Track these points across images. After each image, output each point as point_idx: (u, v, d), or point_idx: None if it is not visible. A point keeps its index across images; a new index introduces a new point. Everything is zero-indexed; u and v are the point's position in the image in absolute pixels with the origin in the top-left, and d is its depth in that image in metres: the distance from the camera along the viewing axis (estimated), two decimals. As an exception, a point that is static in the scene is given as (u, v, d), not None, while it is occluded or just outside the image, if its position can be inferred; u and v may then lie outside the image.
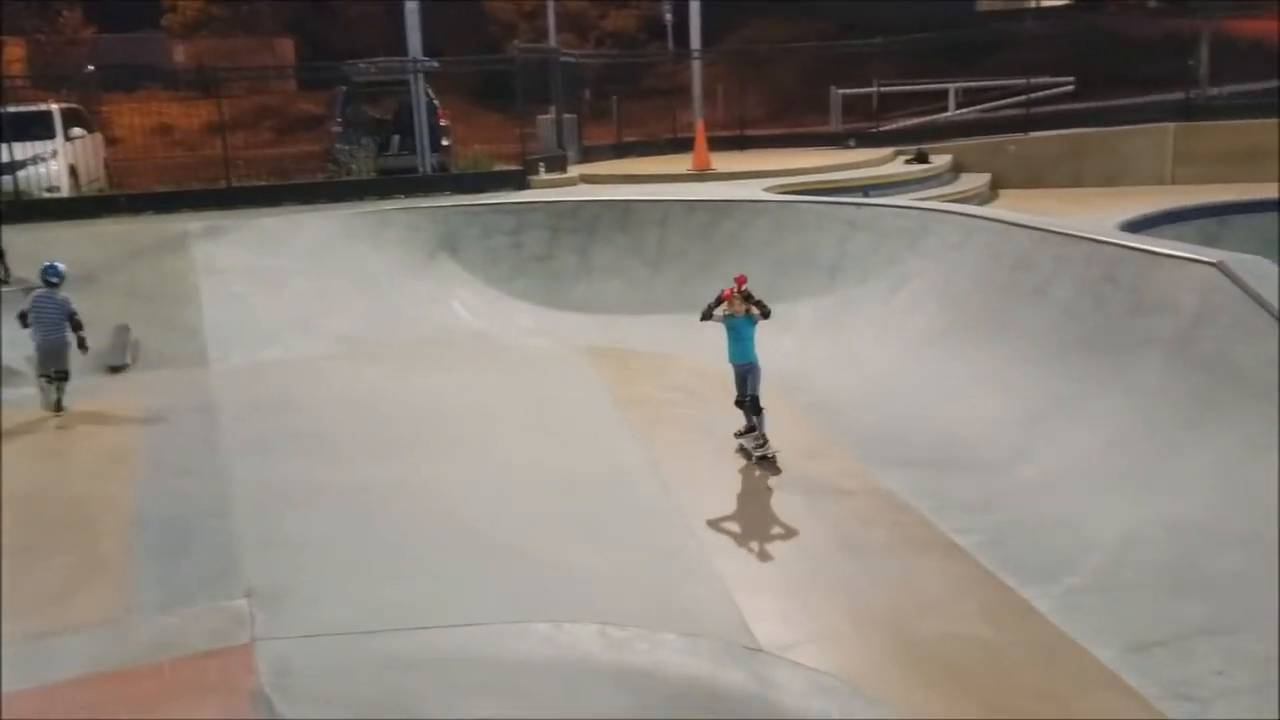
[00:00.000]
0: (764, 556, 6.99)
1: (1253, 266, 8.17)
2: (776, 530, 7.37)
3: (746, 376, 8.41)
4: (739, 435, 8.59)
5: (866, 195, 15.04)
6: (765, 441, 8.36)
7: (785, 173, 16.82)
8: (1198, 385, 7.69)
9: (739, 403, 8.49)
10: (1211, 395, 7.52)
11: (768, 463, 8.25)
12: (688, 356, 11.75)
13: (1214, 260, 8.28)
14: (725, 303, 8.31)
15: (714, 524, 7.37)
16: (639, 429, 9.31)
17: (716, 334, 12.24)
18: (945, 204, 13.82)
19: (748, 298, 8.29)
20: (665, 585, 6.51)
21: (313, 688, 5.17)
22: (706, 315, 8.47)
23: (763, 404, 8.43)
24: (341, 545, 6.88)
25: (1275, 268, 8.21)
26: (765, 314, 8.27)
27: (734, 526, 7.44)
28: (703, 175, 17.64)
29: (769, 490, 8.01)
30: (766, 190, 15.20)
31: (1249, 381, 7.36)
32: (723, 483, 8.15)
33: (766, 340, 8.58)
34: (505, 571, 6.51)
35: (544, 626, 5.81)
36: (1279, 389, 7.01)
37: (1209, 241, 11.91)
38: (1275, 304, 7.57)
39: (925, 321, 11.00)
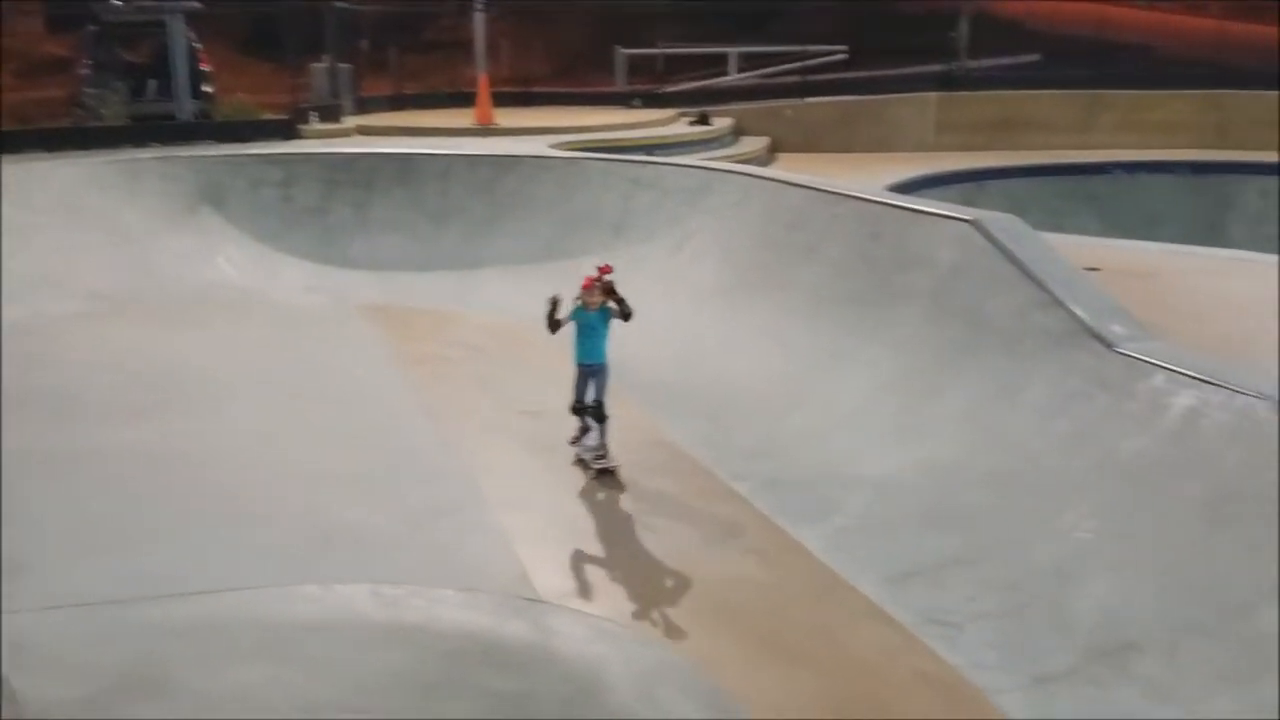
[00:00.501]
0: (546, 509, 6.94)
1: (1004, 224, 8.72)
2: (559, 483, 7.34)
3: (591, 379, 7.22)
4: (573, 443, 7.47)
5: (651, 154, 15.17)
6: (606, 452, 7.25)
7: (570, 130, 16.75)
8: (953, 335, 8.14)
9: (577, 409, 7.30)
10: (965, 344, 7.98)
11: (609, 476, 7.20)
12: (471, 313, 11.56)
13: (969, 218, 8.79)
14: (582, 291, 7.10)
15: (496, 479, 7.27)
16: (420, 386, 9.08)
17: (500, 289, 12.18)
18: (726, 164, 14.10)
19: (609, 290, 7.07)
20: (443, 542, 6.37)
21: (53, 659, 4.77)
22: (553, 324, 7.06)
23: (608, 411, 7.31)
24: (92, 513, 6.39)
25: (1024, 225, 8.80)
26: (626, 315, 7.06)
27: (516, 481, 7.36)
28: (486, 130, 17.34)
29: (552, 444, 7.96)
30: (552, 147, 15.07)
31: (998, 331, 7.85)
32: (505, 438, 8.05)
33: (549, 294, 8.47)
34: (272, 535, 6.20)
35: (312, 588, 5.57)
36: (1026, 337, 7.51)
37: (967, 204, 12.63)
38: (1023, 258, 8.10)
39: (708, 278, 11.21)
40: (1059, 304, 7.59)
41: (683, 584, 5.96)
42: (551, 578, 5.93)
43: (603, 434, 7.25)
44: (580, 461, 7.40)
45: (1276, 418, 5.92)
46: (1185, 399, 6.41)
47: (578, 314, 7.13)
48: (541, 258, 12.49)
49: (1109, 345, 7.06)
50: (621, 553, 6.33)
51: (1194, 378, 6.43)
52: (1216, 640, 5.10)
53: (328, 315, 11.34)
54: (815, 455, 7.59)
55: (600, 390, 7.21)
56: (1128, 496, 6.07)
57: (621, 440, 7.98)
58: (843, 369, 8.59)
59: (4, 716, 3.35)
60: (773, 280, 10.38)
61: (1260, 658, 4.91)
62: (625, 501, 7.01)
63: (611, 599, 5.80)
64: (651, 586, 5.95)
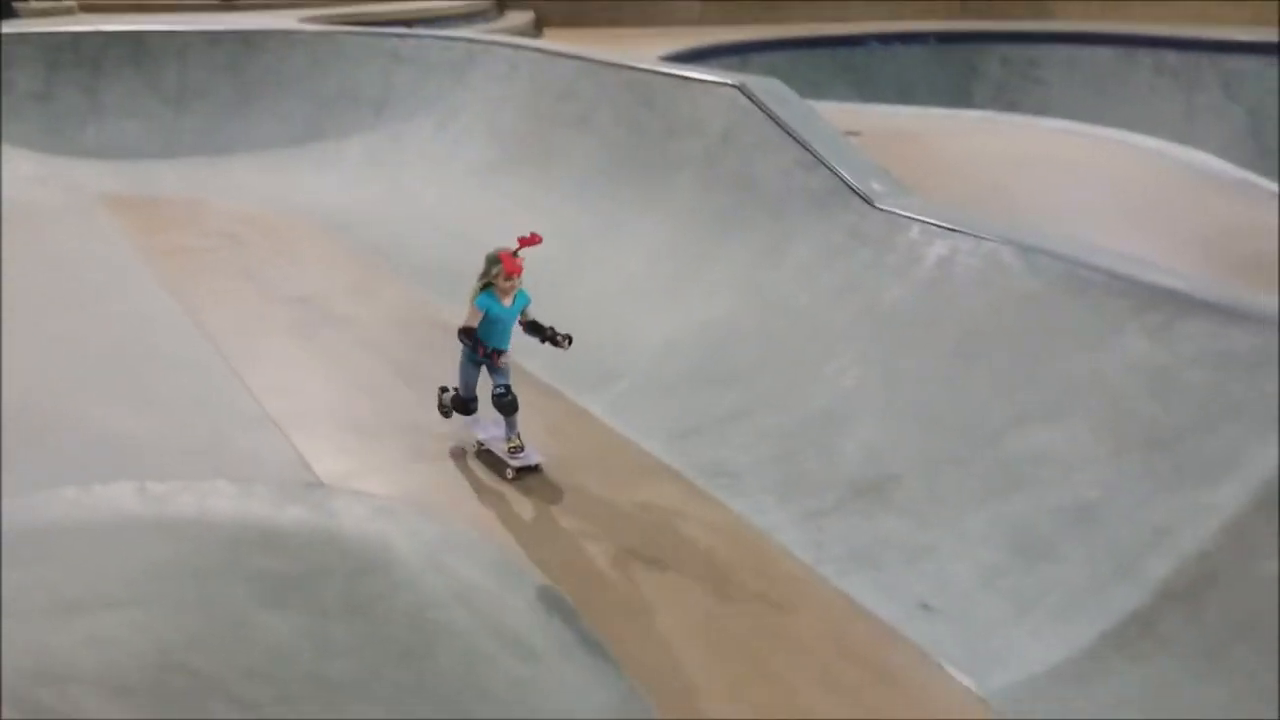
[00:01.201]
0: (320, 395, 6.68)
1: (769, 87, 8.84)
2: (332, 367, 7.07)
3: (494, 371, 5.71)
4: (447, 415, 6.02)
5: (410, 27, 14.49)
6: (522, 444, 5.70)
7: (321, 3, 15.75)
8: (724, 200, 8.27)
9: (457, 406, 5.88)
10: (735, 208, 8.13)
11: (530, 473, 5.69)
12: (225, 202, 10.84)
13: (736, 83, 8.85)
14: (498, 277, 5.45)
15: (264, 367, 6.92)
16: (174, 281, 8.47)
17: (255, 176, 11.46)
18: (490, 36, 13.64)
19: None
20: (214, 436, 6.04)
21: None
22: (471, 342, 5.63)
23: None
24: None
25: (788, 90, 8.95)
26: (557, 341, 5.63)
27: (287, 368, 7.03)
28: (230, 5, 16.07)
29: (320, 329, 7.64)
30: (302, 21, 14.14)
31: (764, 194, 8.02)
32: (269, 326, 7.66)
33: (309, 179, 8.05)
34: (21, 443, 5.69)
35: (70, 490, 5.16)
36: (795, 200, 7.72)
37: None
38: (788, 121, 8.26)
39: (475, 155, 10.92)
40: (823, 164, 7.81)
41: (462, 461, 5.89)
42: (329, 462, 5.73)
43: (516, 425, 5.67)
44: (482, 455, 5.85)
45: (1020, 261, 6.35)
46: (939, 248, 6.76)
47: (485, 301, 5.50)
48: (298, 140, 11.82)
49: (870, 202, 7.35)
50: (401, 433, 6.19)
51: (946, 228, 6.80)
52: (969, 467, 5.49)
53: (63, 209, 10.36)
54: (596, 325, 7.55)
55: (505, 373, 5.65)
56: (888, 342, 6.40)
57: (398, 319, 7.75)
58: (618, 240, 8.60)
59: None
60: (544, 154, 10.22)
61: (1008, 478, 5.33)
62: (402, 380, 6.83)
63: (393, 479, 5.68)
64: (435, 464, 5.86)
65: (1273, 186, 9.04)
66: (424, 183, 10.69)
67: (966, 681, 4.36)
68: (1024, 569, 4.88)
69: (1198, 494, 4.87)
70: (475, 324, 5.54)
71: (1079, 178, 9.52)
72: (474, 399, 5.81)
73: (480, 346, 5.60)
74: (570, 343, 5.59)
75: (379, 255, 9.20)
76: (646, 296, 7.76)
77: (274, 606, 4.24)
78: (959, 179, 8.34)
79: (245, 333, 7.44)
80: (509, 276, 5.46)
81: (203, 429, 6.09)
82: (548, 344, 5.62)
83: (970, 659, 4.47)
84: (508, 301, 5.55)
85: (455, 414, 5.93)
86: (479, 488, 5.59)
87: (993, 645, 4.53)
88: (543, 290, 8.23)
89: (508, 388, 5.64)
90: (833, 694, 4.24)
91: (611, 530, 5.26)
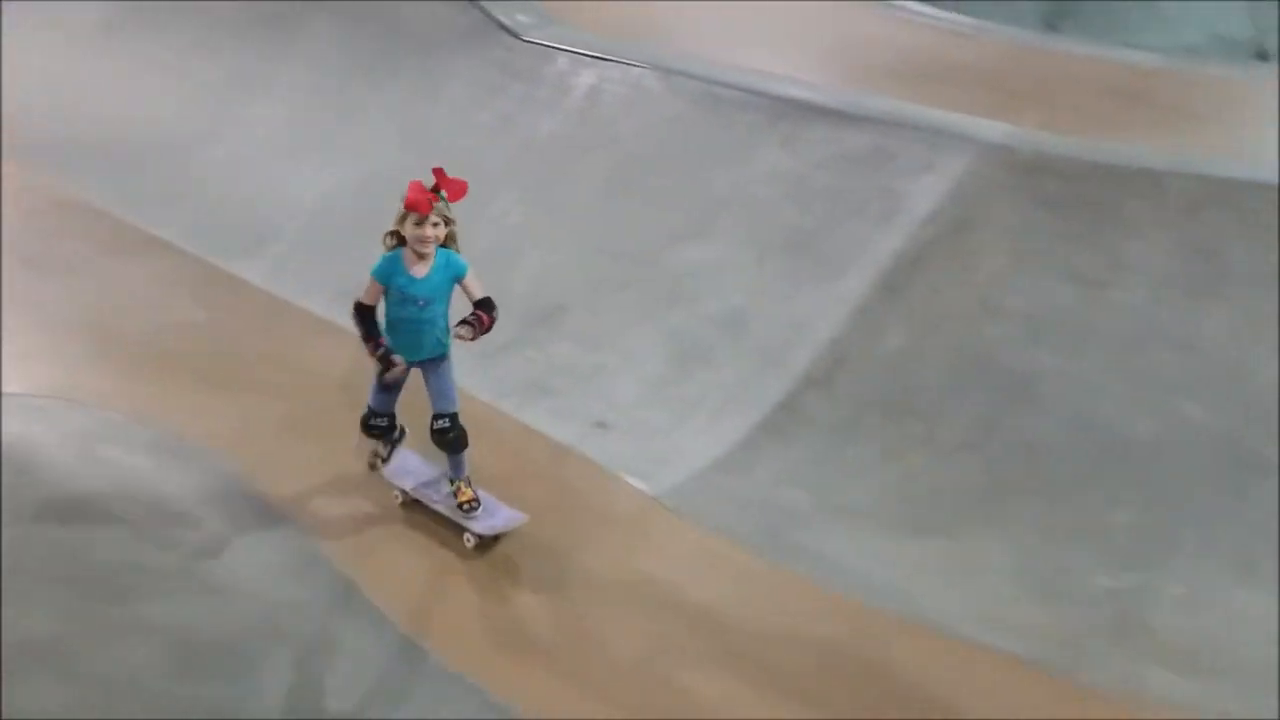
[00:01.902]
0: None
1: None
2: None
3: (430, 380, 4.04)
4: (376, 464, 4.40)
5: None
6: (476, 496, 4.17)
7: None
8: (371, 45, 7.88)
9: (375, 426, 4.20)
10: (384, 52, 7.77)
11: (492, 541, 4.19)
12: None
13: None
14: (405, 223, 3.87)
15: None
16: None
17: None
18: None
19: (446, 221, 3.90)
20: None
21: None
22: (364, 330, 3.94)
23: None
24: None
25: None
26: (486, 329, 3.93)
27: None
28: None
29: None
30: None
31: (415, 35, 7.70)
32: None
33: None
34: None
35: None
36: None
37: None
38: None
39: (96, 16, 9.77)
40: (470, 1, 7.58)
41: (117, 342, 5.48)
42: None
43: (462, 466, 4.17)
44: (409, 502, 4.36)
45: (663, 85, 6.52)
46: (587, 78, 6.81)
47: (393, 273, 3.87)
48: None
49: (516, 35, 7.24)
50: (44, 324, 5.63)
51: (593, 57, 6.84)
52: (630, 289, 5.71)
53: None
54: (240, 188, 7.15)
55: (446, 394, 4.04)
56: (547, 177, 6.44)
57: (23, 206, 6.96)
58: (257, 95, 8.03)
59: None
60: (172, 12, 9.29)
61: (667, 295, 5.60)
62: (31, 270, 6.19)
63: (36, 375, 5.20)
64: (83, 351, 5.40)
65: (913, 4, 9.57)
66: (31, 47, 9.47)
67: (640, 485, 4.64)
68: (684, 377, 5.19)
69: (830, 287, 5.32)
70: (370, 300, 3.84)
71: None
72: (384, 417, 4.10)
73: (375, 344, 3.83)
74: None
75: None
76: (294, 152, 7.35)
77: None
78: (606, 10, 8.34)
79: None
80: (418, 219, 3.74)
81: None
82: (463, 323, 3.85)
83: (642, 465, 4.75)
84: (420, 268, 3.82)
85: (381, 445, 4.36)
86: (134, 371, 5.21)
87: (661, 450, 4.83)
88: (174, 156, 7.67)
89: (450, 417, 3.97)
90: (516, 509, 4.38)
91: (279, 394, 5.10)
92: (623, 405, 5.12)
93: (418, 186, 3.82)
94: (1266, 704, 3.48)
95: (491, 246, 6.18)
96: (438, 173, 3.87)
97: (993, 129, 5.67)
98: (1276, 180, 5.04)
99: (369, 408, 4.15)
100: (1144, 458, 4.34)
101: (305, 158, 7.25)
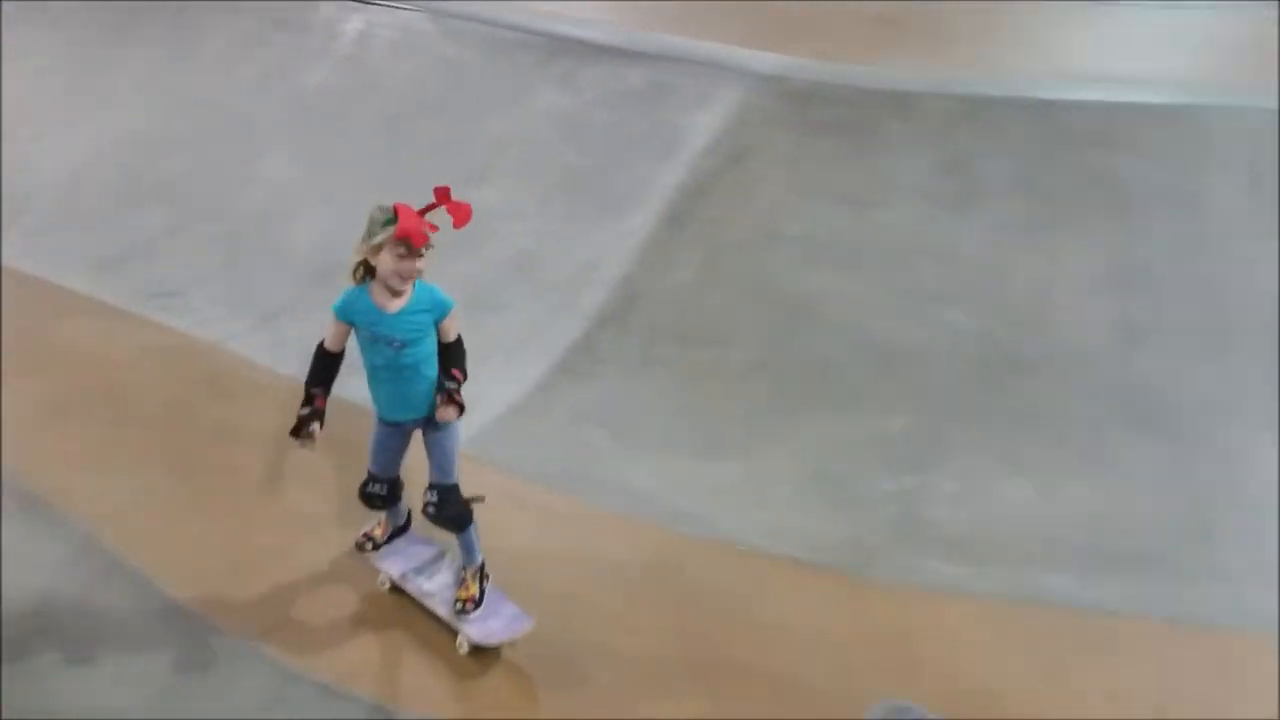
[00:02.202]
0: None
1: None
2: None
3: (431, 444, 3.36)
4: (367, 547, 3.73)
5: None
6: (479, 594, 3.48)
7: None
8: (120, 2, 7.37)
9: (374, 495, 3.50)
10: (130, 9, 7.29)
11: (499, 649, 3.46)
12: None
13: None
14: (383, 240, 3.13)
15: None
16: None
17: None
18: None
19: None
20: None
21: None
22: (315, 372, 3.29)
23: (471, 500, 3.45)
24: None
25: None
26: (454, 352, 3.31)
27: None
28: None
29: None
30: None
31: None
32: None
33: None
34: None
35: None
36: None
37: None
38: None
39: None
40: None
41: None
42: None
43: (473, 550, 3.50)
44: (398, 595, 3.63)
45: (435, 27, 6.35)
46: (355, 24, 6.58)
47: (359, 310, 3.21)
48: None
49: (278, -17, 6.91)
50: None
51: (362, 1, 6.60)
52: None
53: None
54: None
55: (441, 461, 3.35)
56: (318, 128, 6.20)
57: None
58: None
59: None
60: None
61: (452, 241, 5.48)
62: None
63: None
64: None
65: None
66: None
67: (438, 437, 4.57)
68: (476, 325, 5.08)
69: (616, 224, 5.35)
70: (332, 344, 3.24)
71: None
72: (384, 482, 3.46)
73: (308, 397, 3.21)
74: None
75: None
76: (40, 120, 6.81)
77: None
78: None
79: None
80: (409, 249, 3.09)
81: None
82: (439, 392, 3.24)
83: (439, 416, 4.68)
84: (394, 302, 3.16)
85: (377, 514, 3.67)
86: None
87: (457, 399, 4.77)
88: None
89: (442, 490, 3.31)
90: (305, 485, 4.25)
91: (36, 377, 4.74)
92: (415, 358, 5.03)
93: (410, 213, 3.05)
94: (1028, 580, 3.77)
95: (263, 205, 5.96)
96: (441, 194, 3.10)
97: (765, 60, 5.79)
98: (1022, 95, 5.38)
99: (368, 471, 3.43)
100: (915, 365, 4.59)
101: (52, 126, 6.74)
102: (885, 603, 3.74)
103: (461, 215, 3.14)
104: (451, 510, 3.32)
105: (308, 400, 3.23)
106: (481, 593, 3.45)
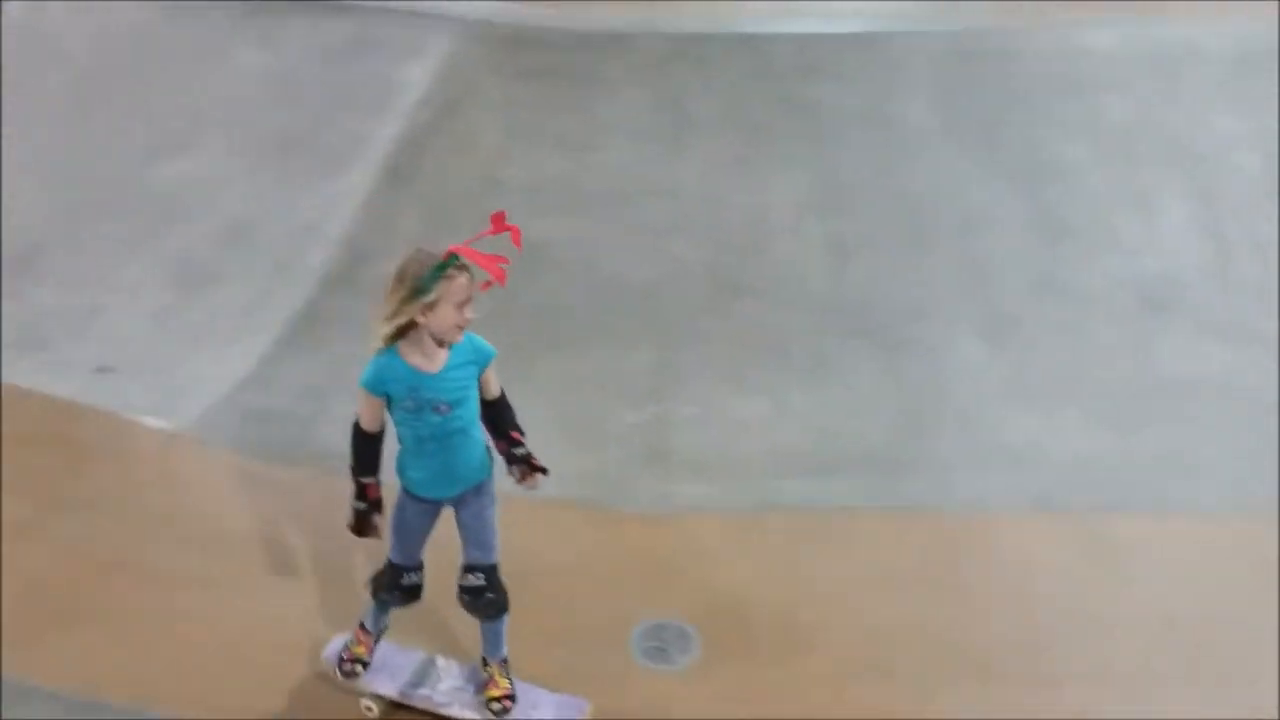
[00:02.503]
0: None
1: None
2: None
3: (462, 517, 2.94)
4: (356, 670, 3.16)
5: None
6: (512, 688, 3.09)
7: None
8: None
9: (415, 586, 3.02)
10: None
11: None
12: None
13: None
14: (436, 294, 2.60)
15: None
16: None
17: None
18: None
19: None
20: None
21: None
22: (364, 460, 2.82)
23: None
24: None
25: None
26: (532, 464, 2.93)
27: None
28: None
29: None
30: None
31: None
32: None
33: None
34: None
35: None
36: None
37: None
38: None
39: None
40: None
41: None
42: None
43: (500, 640, 3.09)
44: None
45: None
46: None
47: (396, 379, 2.72)
48: None
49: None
50: None
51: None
52: (115, 216, 5.18)
53: None
54: None
55: (483, 537, 2.95)
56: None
57: None
58: None
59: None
60: None
61: (158, 217, 5.15)
62: None
63: None
64: None
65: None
66: None
67: (161, 424, 4.29)
68: (192, 302, 4.83)
69: (334, 183, 5.16)
70: (372, 425, 2.79)
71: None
72: (417, 570, 2.99)
73: (362, 489, 2.81)
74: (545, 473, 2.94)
75: None
76: None
77: None
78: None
79: None
80: (463, 298, 2.64)
81: None
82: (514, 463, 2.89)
83: (159, 403, 4.38)
84: (435, 360, 2.70)
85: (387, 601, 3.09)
86: None
87: (177, 383, 4.48)
88: None
89: (487, 571, 2.92)
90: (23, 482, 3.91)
91: None
92: (127, 344, 4.68)
93: (483, 257, 2.57)
94: (769, 489, 3.97)
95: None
96: (498, 219, 2.63)
97: (472, 6, 5.72)
98: (728, 30, 5.56)
99: (389, 561, 2.95)
100: (647, 300, 4.69)
101: None
102: (639, 530, 3.84)
103: (518, 238, 2.66)
104: (494, 593, 2.91)
105: (361, 493, 2.80)
106: (514, 690, 3.06)
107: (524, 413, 4.48)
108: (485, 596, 2.89)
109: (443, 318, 2.61)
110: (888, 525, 3.80)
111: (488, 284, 2.61)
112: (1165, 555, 3.74)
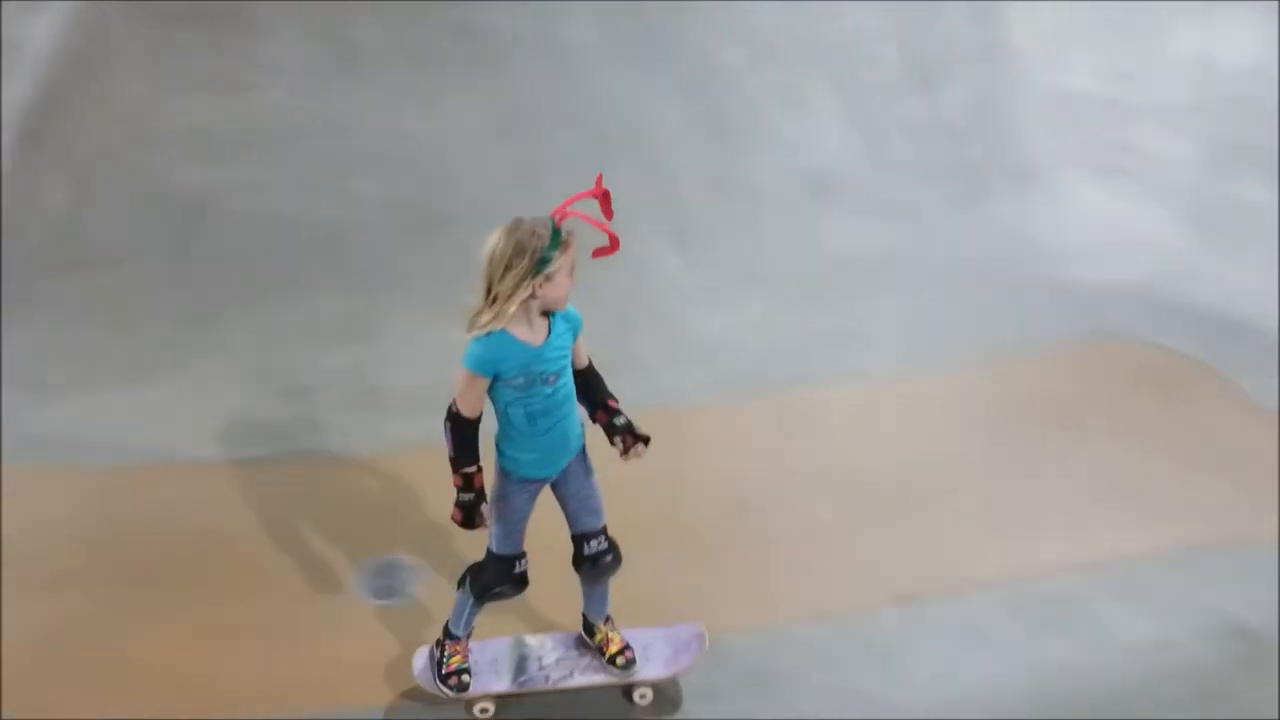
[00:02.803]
0: None
1: None
2: None
3: (562, 487, 2.80)
4: (465, 681, 2.93)
5: None
6: (628, 645, 3.00)
7: None
8: None
9: (520, 578, 2.86)
10: None
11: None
12: None
13: None
14: (549, 264, 2.48)
15: None
16: None
17: None
18: None
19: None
20: None
21: None
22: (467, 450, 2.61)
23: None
24: None
25: None
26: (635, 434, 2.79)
27: None
28: None
29: None
30: None
31: None
32: None
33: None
34: None
35: None
36: None
37: None
38: None
39: None
40: None
41: None
42: None
43: (607, 596, 3.01)
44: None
45: None
46: None
47: (506, 356, 2.58)
48: None
49: None
50: None
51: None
52: None
53: None
54: None
55: (593, 502, 2.85)
56: None
57: None
58: None
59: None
60: None
61: None
62: None
63: None
64: None
65: None
66: None
67: None
68: None
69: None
70: (472, 411, 2.64)
71: None
72: (518, 559, 2.83)
73: (468, 479, 2.65)
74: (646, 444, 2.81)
75: None
76: None
77: None
78: None
79: None
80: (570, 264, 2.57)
81: None
82: (615, 434, 2.78)
83: None
84: (539, 331, 2.62)
85: (489, 597, 2.87)
86: None
87: None
88: None
89: (605, 534, 2.87)
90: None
91: None
92: None
93: (596, 223, 2.50)
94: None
95: None
96: (599, 183, 2.56)
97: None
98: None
99: (492, 555, 2.82)
100: (335, 241, 4.53)
101: None
102: (357, 474, 3.74)
103: (608, 204, 2.58)
104: (619, 552, 2.90)
105: (467, 484, 2.64)
106: (624, 644, 3.03)
107: (215, 374, 4.28)
108: (607, 558, 2.87)
109: (558, 286, 2.57)
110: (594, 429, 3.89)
111: (601, 250, 2.55)
112: (847, 417, 4.08)
